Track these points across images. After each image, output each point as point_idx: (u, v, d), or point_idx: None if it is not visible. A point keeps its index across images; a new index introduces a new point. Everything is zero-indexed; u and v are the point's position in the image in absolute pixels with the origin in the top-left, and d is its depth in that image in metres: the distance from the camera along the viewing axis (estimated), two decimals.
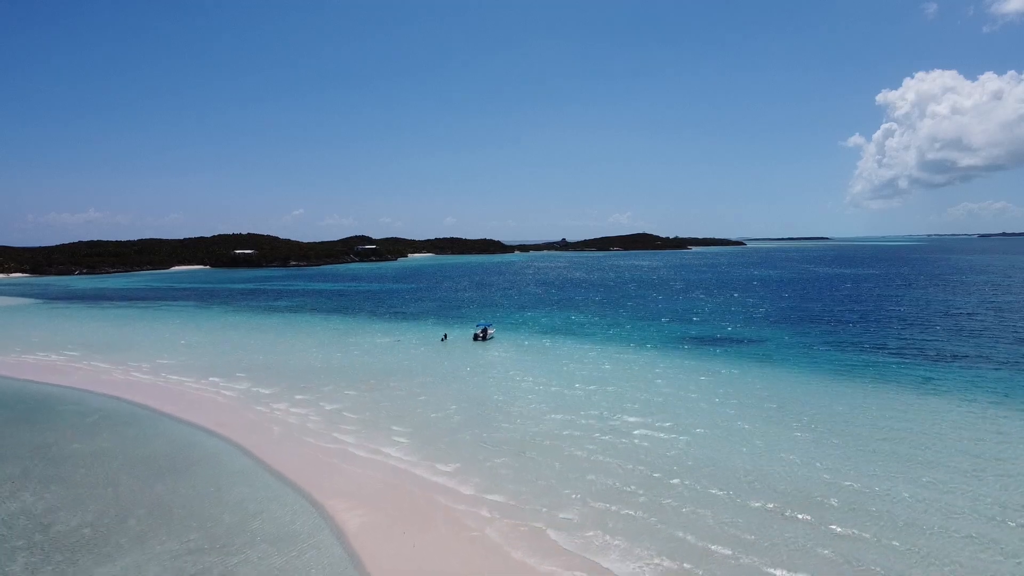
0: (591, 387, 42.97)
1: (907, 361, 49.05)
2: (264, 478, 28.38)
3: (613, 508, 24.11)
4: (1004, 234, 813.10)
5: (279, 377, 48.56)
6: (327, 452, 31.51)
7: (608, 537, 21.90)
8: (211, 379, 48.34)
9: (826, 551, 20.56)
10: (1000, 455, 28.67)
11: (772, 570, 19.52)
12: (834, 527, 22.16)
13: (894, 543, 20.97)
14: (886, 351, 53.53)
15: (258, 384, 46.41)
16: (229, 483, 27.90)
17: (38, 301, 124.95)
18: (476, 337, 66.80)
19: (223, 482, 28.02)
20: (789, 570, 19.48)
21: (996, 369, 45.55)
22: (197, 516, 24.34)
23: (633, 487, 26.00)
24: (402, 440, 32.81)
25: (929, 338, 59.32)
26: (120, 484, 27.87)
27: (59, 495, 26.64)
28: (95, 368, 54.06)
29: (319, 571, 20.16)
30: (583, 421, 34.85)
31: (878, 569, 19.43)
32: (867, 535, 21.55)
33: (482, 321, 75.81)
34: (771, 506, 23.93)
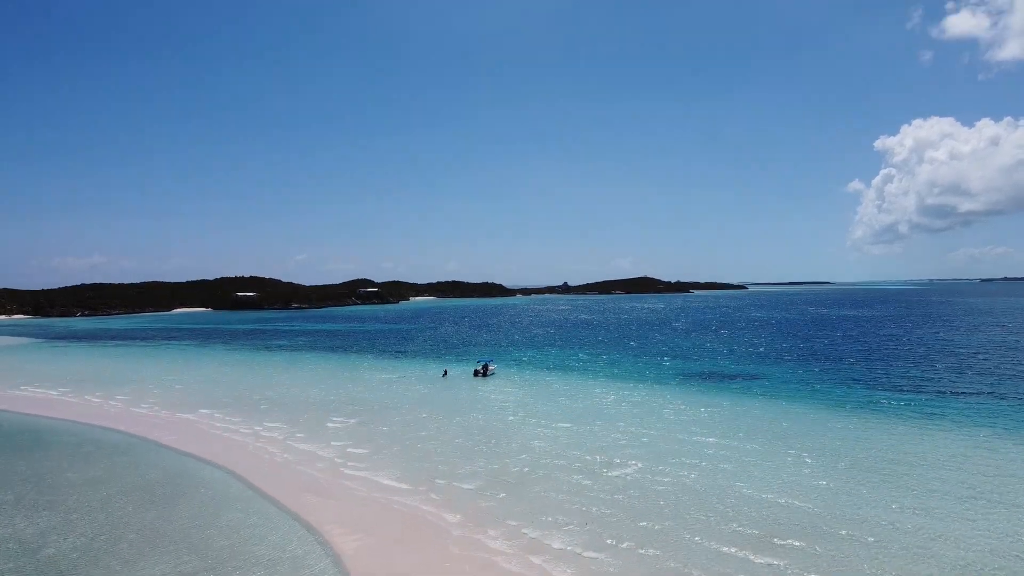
0: (593, 421, 42.60)
1: (907, 396, 48.63)
2: (258, 504, 27.98)
3: (611, 535, 23.69)
4: (1006, 279, 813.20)
5: (276, 409, 48.25)
6: (323, 481, 31.13)
7: (607, 561, 21.48)
8: (207, 412, 48.03)
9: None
10: (1000, 487, 28.16)
11: None
12: (830, 551, 21.72)
13: (887, 567, 20.53)
14: (887, 387, 53.10)
15: (254, 416, 46.08)
16: (223, 509, 27.50)
17: (39, 340, 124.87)
18: (477, 373, 66.46)
19: (217, 508, 27.62)
20: None
21: (998, 404, 45.09)
22: (190, 540, 23.93)
23: (630, 516, 25.58)
24: (399, 470, 32.42)
25: (930, 375, 58.92)
26: (113, 509, 27.48)
27: (51, 520, 26.25)
28: (92, 402, 53.85)
29: None
30: (584, 454, 34.44)
31: None
32: (862, 559, 21.12)
33: (483, 357, 75.48)
34: (762, 532, 23.49)
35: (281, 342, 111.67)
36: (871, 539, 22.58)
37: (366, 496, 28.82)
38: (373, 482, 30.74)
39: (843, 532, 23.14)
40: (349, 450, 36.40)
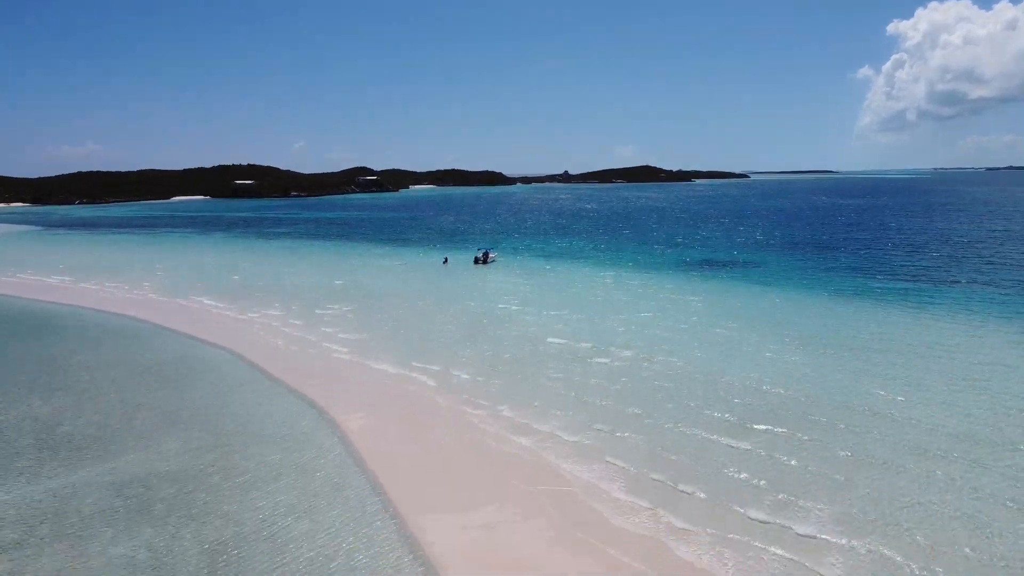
0: (589, 309, 43.11)
1: (903, 285, 48.92)
2: (265, 386, 28.78)
3: (599, 420, 24.39)
4: (1011, 167, 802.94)
5: (278, 295, 48.80)
6: (325, 364, 31.88)
7: (604, 439, 22.25)
8: (210, 297, 48.58)
9: (810, 455, 20.84)
10: (989, 375, 28.61)
11: (754, 476, 19.83)
12: (814, 436, 22.41)
13: (874, 445, 21.23)
14: (883, 276, 53.37)
15: (256, 302, 46.65)
16: (231, 390, 28.30)
17: (38, 228, 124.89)
18: (477, 260, 66.76)
19: (225, 389, 28.44)
20: (770, 477, 19.76)
21: (994, 294, 45.40)
22: (200, 419, 24.74)
23: (620, 402, 26.22)
24: (399, 354, 33.06)
25: (928, 264, 59.07)
26: (124, 391, 28.29)
27: (65, 401, 27.06)
28: (95, 288, 54.38)
29: (320, 468, 20.57)
30: (580, 342, 34.97)
31: (846, 467, 19.73)
32: (842, 444, 21.83)
33: (483, 245, 75.59)
34: (746, 417, 24.17)
35: (280, 230, 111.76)
36: (853, 424, 23.06)
37: (367, 379, 29.59)
38: (373, 366, 31.44)
39: (823, 419, 23.65)
40: (350, 335, 37.05)
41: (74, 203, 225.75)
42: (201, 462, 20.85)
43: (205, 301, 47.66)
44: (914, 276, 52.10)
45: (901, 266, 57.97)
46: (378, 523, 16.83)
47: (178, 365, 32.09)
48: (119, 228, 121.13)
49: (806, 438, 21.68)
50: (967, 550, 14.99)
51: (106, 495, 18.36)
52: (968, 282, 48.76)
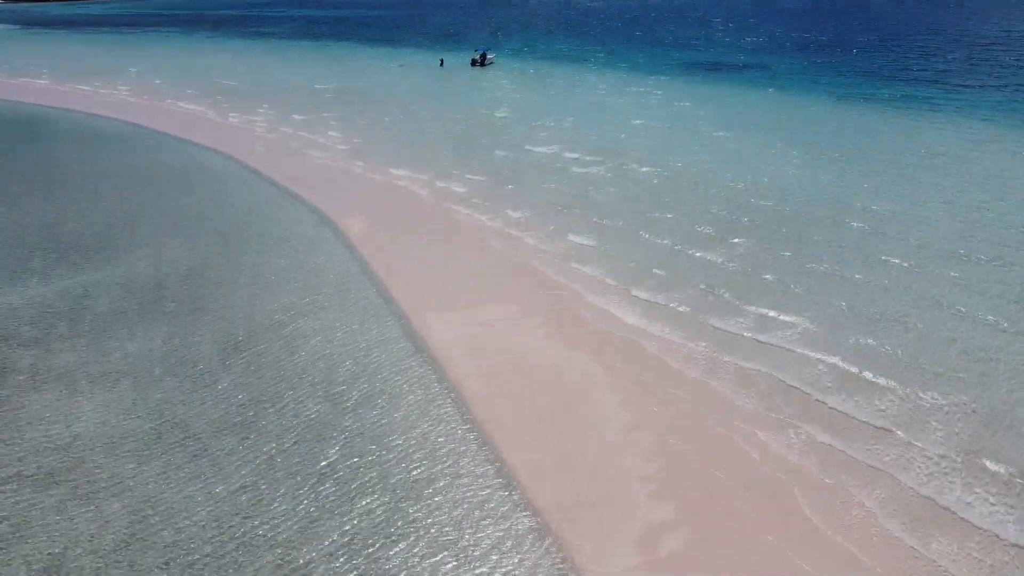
0: (590, 113, 42.21)
1: (916, 88, 47.30)
2: (266, 189, 28.77)
3: (594, 221, 24.56)
4: None
5: (270, 98, 47.57)
6: (328, 168, 31.69)
7: (601, 242, 22.57)
8: (201, 101, 47.35)
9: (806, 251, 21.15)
10: (999, 184, 28.21)
11: (738, 287, 20.22)
12: (817, 234, 22.66)
13: (863, 259, 21.47)
14: (896, 79, 51.46)
15: (249, 104, 45.57)
16: (232, 193, 28.35)
17: (13, 27, 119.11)
18: (474, 63, 64.25)
19: (226, 192, 28.48)
20: (753, 289, 20.13)
21: (1010, 99, 43.89)
22: (204, 222, 24.96)
23: (623, 201, 26.33)
24: (395, 157, 32.72)
25: (943, 67, 56.69)
26: (126, 194, 28.26)
27: (68, 204, 27.11)
28: (81, 89, 52.98)
29: (325, 269, 21.04)
30: (580, 146, 34.42)
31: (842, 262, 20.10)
32: (829, 241, 22.08)
33: (481, 46, 72.35)
34: (739, 216, 24.31)
35: (269, 29, 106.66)
36: (844, 223, 23.11)
37: (363, 183, 29.54)
38: (369, 170, 31.22)
39: (819, 214, 23.88)
40: (343, 139, 36.51)
41: None
42: (209, 264, 21.26)
43: (194, 105, 46.48)
44: (929, 81, 50.22)
45: (913, 70, 55.73)
46: (384, 321, 17.50)
47: (176, 169, 31.87)
48: (100, 27, 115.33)
49: (787, 253, 21.88)
50: (950, 367, 15.33)
51: (117, 295, 18.91)
52: (980, 87, 47.12)
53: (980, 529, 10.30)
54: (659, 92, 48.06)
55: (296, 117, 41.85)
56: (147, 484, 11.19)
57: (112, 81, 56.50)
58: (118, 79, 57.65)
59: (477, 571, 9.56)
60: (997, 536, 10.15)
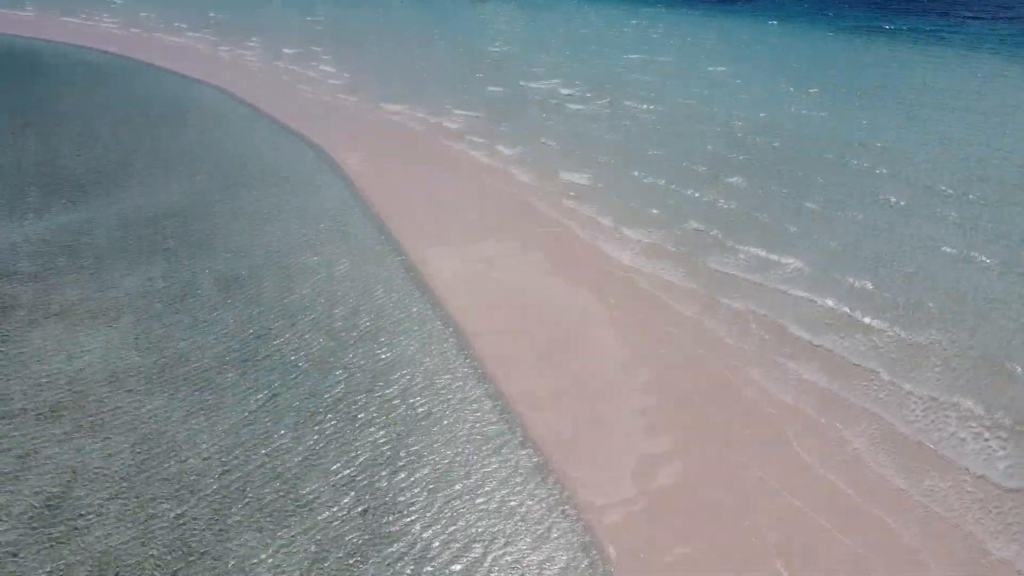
0: (592, 48, 41.40)
1: (925, 21, 46.40)
2: (262, 123, 28.44)
3: (609, 158, 24.41)
4: None
5: (257, 31, 46.74)
6: (318, 102, 31.27)
7: (603, 181, 22.47)
8: (190, 33, 46.34)
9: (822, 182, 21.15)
10: (1002, 109, 28.12)
11: (741, 222, 20.22)
12: (828, 164, 22.59)
13: (862, 201, 21.45)
14: (910, 11, 50.46)
15: (236, 38, 44.69)
16: (229, 129, 27.95)
17: None
18: None
19: (221, 126, 28.10)
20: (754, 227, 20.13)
21: (1017, 29, 43.20)
22: (203, 160, 24.67)
23: (620, 138, 26.11)
24: (390, 92, 32.28)
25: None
26: (120, 129, 27.88)
27: (62, 139, 26.77)
28: (72, 22, 51.52)
29: (325, 205, 20.94)
30: (581, 82, 33.91)
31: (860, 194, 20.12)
32: (831, 176, 22.04)
33: None
34: (750, 149, 24.19)
35: None
36: (843, 161, 23.11)
37: (359, 118, 29.18)
38: (363, 104, 30.84)
39: (817, 152, 23.80)
40: (338, 73, 35.88)
41: None
42: (208, 200, 21.13)
43: (183, 37, 45.45)
44: (938, 12, 49.19)
45: (922, 0, 54.51)
46: (384, 257, 17.52)
47: (169, 103, 31.36)
48: None
49: (784, 191, 21.85)
50: (947, 309, 15.63)
51: (115, 232, 18.83)
52: (991, 19, 46.21)
53: (970, 469, 10.56)
54: (660, 24, 47.12)
55: (287, 51, 41.02)
56: (151, 417, 11.37)
57: (92, 11, 55.10)
58: (103, 10, 56.22)
59: (478, 503, 9.81)
60: (986, 477, 10.40)
